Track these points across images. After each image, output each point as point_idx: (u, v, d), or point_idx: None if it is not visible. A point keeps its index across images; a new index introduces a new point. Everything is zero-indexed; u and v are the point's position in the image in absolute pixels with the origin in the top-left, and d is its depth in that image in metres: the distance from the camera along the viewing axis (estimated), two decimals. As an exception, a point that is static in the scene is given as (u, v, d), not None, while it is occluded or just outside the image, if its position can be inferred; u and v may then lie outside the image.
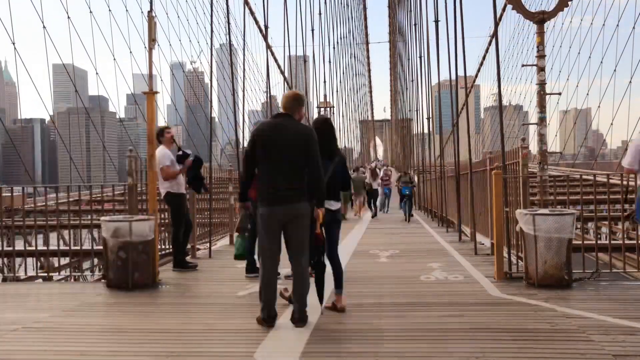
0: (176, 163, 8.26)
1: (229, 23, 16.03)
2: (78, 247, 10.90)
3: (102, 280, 7.35)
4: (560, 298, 5.88)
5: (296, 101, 5.03)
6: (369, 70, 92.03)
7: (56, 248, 10.67)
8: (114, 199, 14.84)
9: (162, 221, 9.11)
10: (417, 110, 37.05)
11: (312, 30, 34.03)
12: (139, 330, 5.09)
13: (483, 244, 10.18)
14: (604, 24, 22.87)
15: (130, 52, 22.36)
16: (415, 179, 27.00)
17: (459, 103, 18.12)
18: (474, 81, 42.22)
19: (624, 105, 20.35)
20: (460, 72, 12.59)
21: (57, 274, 9.77)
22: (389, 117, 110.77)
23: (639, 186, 5.64)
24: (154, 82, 7.98)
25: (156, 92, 7.93)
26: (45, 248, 10.93)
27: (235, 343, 4.65)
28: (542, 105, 7.37)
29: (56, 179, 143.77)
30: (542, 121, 7.42)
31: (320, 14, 38.99)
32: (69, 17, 19.16)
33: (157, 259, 7.54)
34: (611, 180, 9.12)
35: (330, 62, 43.93)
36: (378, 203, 22.22)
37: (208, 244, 10.23)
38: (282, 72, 29.70)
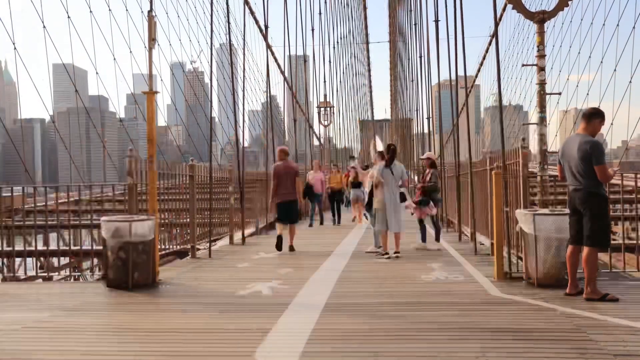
0: None
1: (229, 23, 16.00)
2: (78, 247, 10.91)
3: (102, 280, 7.36)
4: (560, 298, 5.88)
5: None
6: (369, 70, 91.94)
7: (56, 248, 10.68)
8: (114, 199, 14.84)
9: (162, 221, 9.12)
10: (417, 110, 37.10)
11: (312, 30, 34.07)
12: (139, 330, 5.09)
13: (483, 244, 10.18)
14: (604, 24, 22.85)
15: (130, 52, 22.30)
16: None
17: (459, 103, 18.11)
18: (474, 81, 42.19)
19: (624, 105, 20.32)
20: (460, 72, 12.61)
21: (57, 274, 9.77)
22: (389, 117, 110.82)
23: None
24: (154, 82, 7.98)
25: (156, 92, 7.93)
26: (45, 248, 10.93)
27: (235, 343, 4.65)
28: (542, 105, 7.34)
29: (56, 179, 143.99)
30: (542, 121, 7.40)
31: (320, 13, 39.01)
32: (69, 17, 19.13)
33: (157, 259, 7.54)
34: (611, 181, 9.12)
35: (330, 62, 43.94)
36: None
37: (208, 244, 10.23)
38: (282, 72, 29.70)
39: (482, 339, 4.50)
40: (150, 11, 7.92)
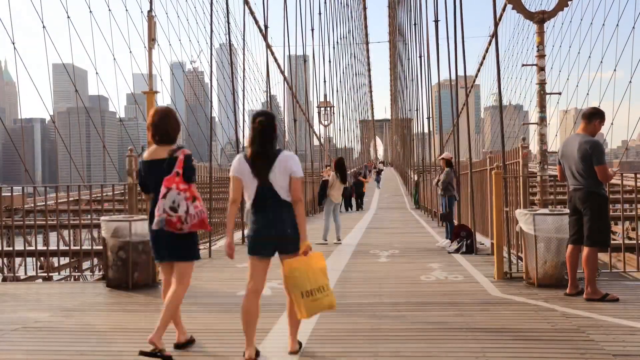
0: None
1: (228, 23, 16.03)
2: (78, 247, 10.92)
3: (102, 280, 7.36)
4: (560, 298, 5.88)
5: None
6: (369, 70, 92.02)
7: (56, 248, 10.68)
8: (114, 199, 14.85)
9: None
10: (417, 110, 37.07)
11: (312, 30, 34.05)
12: (139, 330, 5.09)
13: (483, 244, 10.18)
14: (604, 24, 22.88)
15: (130, 52, 22.37)
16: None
17: (459, 103, 18.13)
18: (474, 81, 42.21)
19: (624, 105, 20.34)
20: (460, 72, 12.62)
21: (57, 274, 9.78)
22: (389, 117, 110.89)
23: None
24: (153, 82, 7.98)
25: (156, 92, 7.93)
26: (45, 248, 10.94)
27: (235, 343, 4.64)
28: (542, 105, 7.35)
29: (56, 179, 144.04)
30: (542, 121, 7.41)
31: (320, 13, 39.03)
32: (69, 17, 19.15)
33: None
34: (611, 180, 9.13)
35: (330, 61, 43.96)
36: None
37: (208, 244, 10.23)
38: (282, 72, 29.69)
39: (482, 339, 4.50)
40: (150, 11, 7.93)
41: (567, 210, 6.15)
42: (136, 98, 25.31)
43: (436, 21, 17.65)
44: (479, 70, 37.36)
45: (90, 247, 11.66)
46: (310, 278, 3.87)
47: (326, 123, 44.39)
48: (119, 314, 5.89)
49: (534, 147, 9.68)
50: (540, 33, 7.30)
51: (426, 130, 28.23)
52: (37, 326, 5.19)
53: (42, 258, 10.65)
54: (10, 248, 9.85)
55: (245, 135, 16.89)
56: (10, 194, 10.74)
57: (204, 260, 9.59)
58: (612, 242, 7.62)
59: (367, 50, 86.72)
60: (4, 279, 8.82)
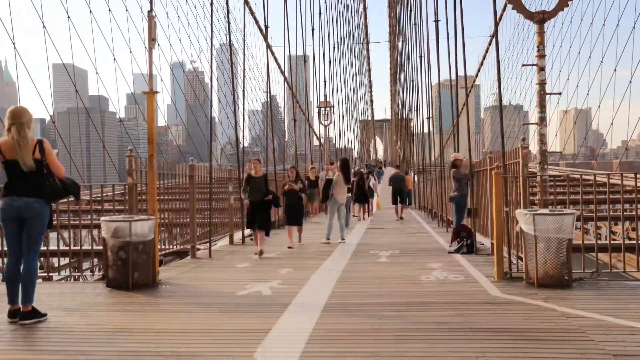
0: None
1: (229, 23, 16.05)
2: (78, 247, 10.91)
3: (102, 280, 7.35)
4: (560, 298, 5.88)
5: None
6: (369, 70, 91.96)
7: (56, 248, 10.67)
8: (114, 199, 14.85)
9: (162, 221, 9.11)
10: (417, 110, 37.05)
11: (312, 30, 34.06)
12: (139, 330, 5.09)
13: (483, 244, 10.18)
14: (604, 24, 22.89)
15: (130, 52, 22.38)
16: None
17: (459, 103, 18.13)
18: (474, 81, 42.22)
19: (624, 105, 20.37)
20: (460, 72, 12.63)
21: (57, 274, 9.77)
22: (389, 117, 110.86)
23: None
24: (154, 82, 7.97)
25: (156, 92, 7.92)
26: (45, 248, 10.91)
27: (235, 343, 4.65)
28: (542, 105, 7.35)
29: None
30: (542, 121, 7.41)
31: (320, 13, 39.02)
32: (69, 17, 19.16)
33: (157, 259, 7.54)
34: (611, 180, 9.13)
35: (330, 61, 43.94)
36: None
37: (208, 244, 10.23)
38: (282, 72, 29.69)
39: (482, 339, 4.50)
40: (150, 11, 7.92)
41: (568, 210, 6.15)
42: (136, 98, 25.31)
43: (436, 21, 17.66)
44: (479, 70, 37.39)
45: (90, 247, 11.65)
46: None
47: (326, 123, 44.35)
48: (119, 314, 5.89)
49: (533, 147, 9.69)
50: (541, 33, 7.30)
51: (426, 130, 28.22)
52: (37, 326, 5.19)
53: (42, 258, 10.64)
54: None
55: (244, 135, 16.91)
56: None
57: (204, 260, 9.60)
58: (612, 242, 7.64)
59: (367, 50, 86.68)
60: (4, 279, 8.81)
